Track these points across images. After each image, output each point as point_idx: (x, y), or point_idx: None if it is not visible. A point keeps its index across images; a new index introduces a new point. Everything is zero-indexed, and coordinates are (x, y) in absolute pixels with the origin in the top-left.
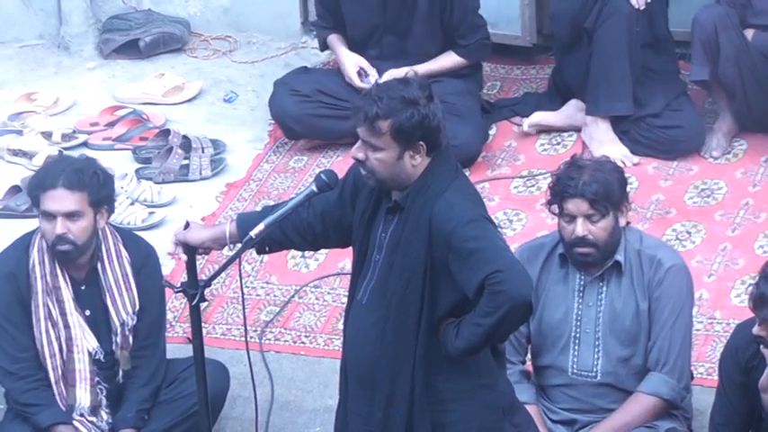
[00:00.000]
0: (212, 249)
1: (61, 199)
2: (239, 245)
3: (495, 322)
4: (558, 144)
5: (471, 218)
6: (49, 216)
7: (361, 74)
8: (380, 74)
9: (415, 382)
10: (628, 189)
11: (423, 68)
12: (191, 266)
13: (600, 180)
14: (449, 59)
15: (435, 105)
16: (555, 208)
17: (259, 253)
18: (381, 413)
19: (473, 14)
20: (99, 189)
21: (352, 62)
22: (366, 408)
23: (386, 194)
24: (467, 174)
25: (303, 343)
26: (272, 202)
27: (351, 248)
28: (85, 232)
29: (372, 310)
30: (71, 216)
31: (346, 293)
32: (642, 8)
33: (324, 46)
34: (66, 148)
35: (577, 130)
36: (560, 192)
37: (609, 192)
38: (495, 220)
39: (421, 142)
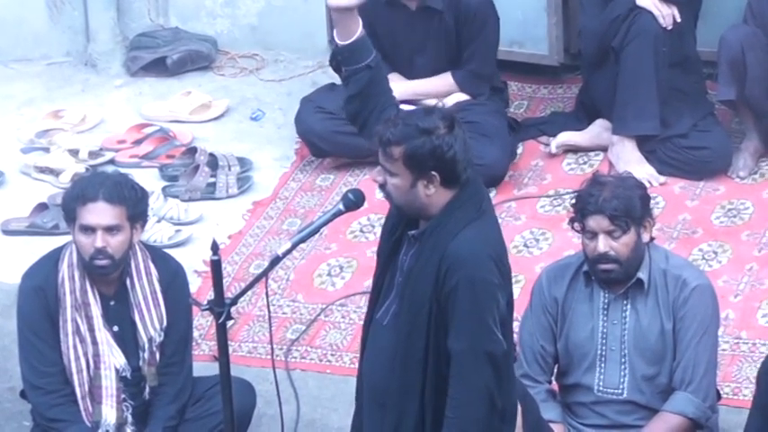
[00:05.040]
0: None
1: (102, 212)
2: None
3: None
4: (585, 163)
5: (477, 278)
6: (88, 230)
7: None
8: None
9: (425, 415)
10: (651, 206)
11: (414, 85)
12: (217, 284)
13: (620, 196)
14: (440, 81)
15: (454, 137)
16: (577, 225)
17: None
18: None
19: (480, 61)
20: (137, 203)
21: None
22: (377, 429)
23: (412, 220)
24: (492, 193)
25: (329, 361)
26: (298, 221)
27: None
28: (123, 247)
29: (391, 334)
30: (111, 230)
31: None
32: (670, 28)
33: None
34: (92, 166)
35: (604, 149)
36: (581, 209)
37: (629, 207)
38: (522, 240)
39: (434, 172)
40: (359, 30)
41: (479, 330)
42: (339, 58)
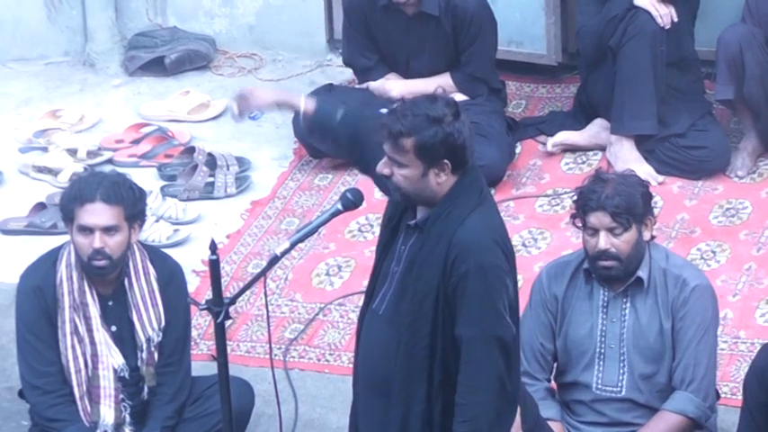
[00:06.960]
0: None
1: (100, 213)
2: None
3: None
4: (583, 163)
5: (487, 265)
6: (86, 230)
7: None
8: None
9: (434, 404)
10: (652, 204)
11: (413, 85)
12: (215, 284)
13: (622, 193)
14: (439, 81)
15: (461, 123)
16: (578, 221)
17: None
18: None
19: (478, 64)
20: (134, 203)
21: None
22: (379, 418)
23: (411, 208)
24: (491, 192)
25: (327, 361)
26: (297, 221)
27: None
28: (121, 247)
29: (388, 324)
30: (109, 230)
31: None
32: (668, 27)
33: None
34: (91, 165)
35: (602, 149)
36: (583, 205)
37: (631, 205)
38: (520, 239)
39: (445, 160)
40: (302, 104)
41: (490, 316)
42: (314, 129)
